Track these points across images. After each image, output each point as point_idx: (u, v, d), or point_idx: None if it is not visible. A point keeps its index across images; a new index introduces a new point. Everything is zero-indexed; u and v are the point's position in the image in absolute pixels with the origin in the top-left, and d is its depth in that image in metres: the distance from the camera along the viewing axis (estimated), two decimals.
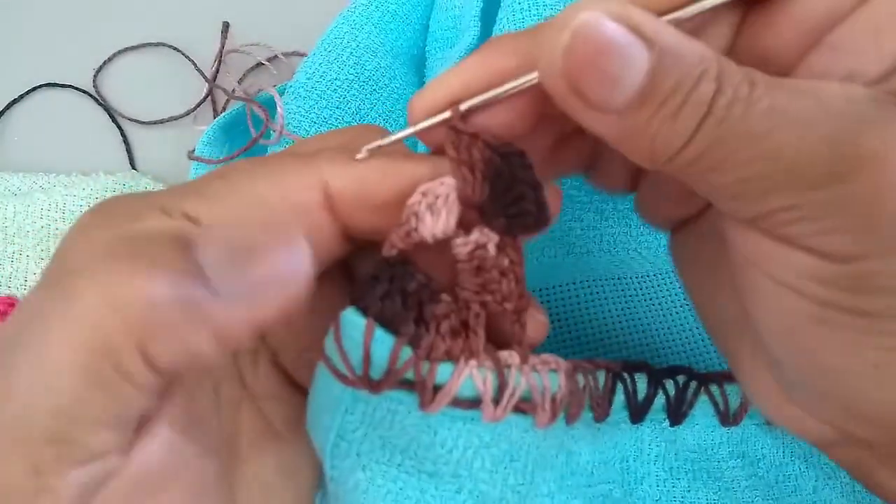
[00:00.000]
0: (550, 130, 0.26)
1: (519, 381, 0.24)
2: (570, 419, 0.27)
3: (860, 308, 0.21)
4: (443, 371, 0.23)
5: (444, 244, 0.24)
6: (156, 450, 0.21)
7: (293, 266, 0.21)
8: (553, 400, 0.25)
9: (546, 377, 0.25)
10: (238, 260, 0.21)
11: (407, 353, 0.23)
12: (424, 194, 0.23)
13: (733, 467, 0.32)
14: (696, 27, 0.24)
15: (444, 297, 0.24)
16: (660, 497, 0.31)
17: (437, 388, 0.23)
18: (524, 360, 0.24)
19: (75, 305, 0.19)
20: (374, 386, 0.23)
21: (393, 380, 0.23)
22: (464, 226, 0.24)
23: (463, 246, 0.24)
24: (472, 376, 0.23)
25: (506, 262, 0.24)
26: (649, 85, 0.20)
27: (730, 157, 0.20)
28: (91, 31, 0.49)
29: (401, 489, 0.25)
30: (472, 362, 0.23)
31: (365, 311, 0.23)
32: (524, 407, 0.25)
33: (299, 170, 0.23)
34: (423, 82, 0.40)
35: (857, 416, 0.23)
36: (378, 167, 0.24)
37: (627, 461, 0.32)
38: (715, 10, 0.23)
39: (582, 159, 0.28)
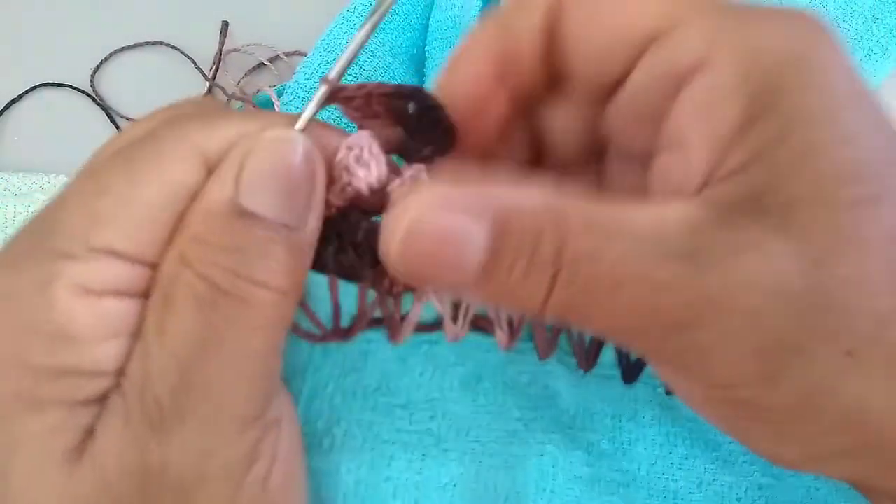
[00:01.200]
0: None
1: None
2: (542, 354, 0.27)
3: (761, 417, 0.21)
4: (406, 302, 0.24)
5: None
6: (288, 440, 0.23)
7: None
8: (510, 322, 0.26)
9: None
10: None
11: (371, 295, 0.24)
12: (349, 148, 0.23)
13: (730, 441, 0.32)
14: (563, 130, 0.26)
15: None
16: (655, 461, 0.31)
17: (402, 320, 0.24)
18: None
19: None
20: (346, 333, 0.24)
21: (363, 322, 0.24)
22: (392, 169, 0.24)
23: (401, 186, 0.24)
24: (432, 299, 0.24)
25: None
26: (491, 258, 0.20)
27: (589, 311, 0.20)
28: (89, 30, 0.48)
29: (376, 434, 0.27)
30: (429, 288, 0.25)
31: (323, 270, 0.23)
32: (483, 324, 0.26)
33: (175, 148, 0.21)
34: (423, 82, 0.40)
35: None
36: (250, 121, 0.23)
37: (620, 419, 0.32)
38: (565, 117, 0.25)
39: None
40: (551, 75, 0.25)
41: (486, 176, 0.21)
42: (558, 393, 0.30)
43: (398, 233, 0.20)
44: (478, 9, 0.36)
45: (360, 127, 0.24)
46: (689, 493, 0.31)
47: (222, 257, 0.20)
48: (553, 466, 0.30)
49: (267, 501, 0.22)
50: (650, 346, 0.21)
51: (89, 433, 0.20)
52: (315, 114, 0.23)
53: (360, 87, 0.24)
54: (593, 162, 0.27)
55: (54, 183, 0.43)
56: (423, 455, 0.27)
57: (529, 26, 0.23)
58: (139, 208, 0.21)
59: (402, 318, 0.24)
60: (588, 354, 0.27)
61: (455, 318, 0.25)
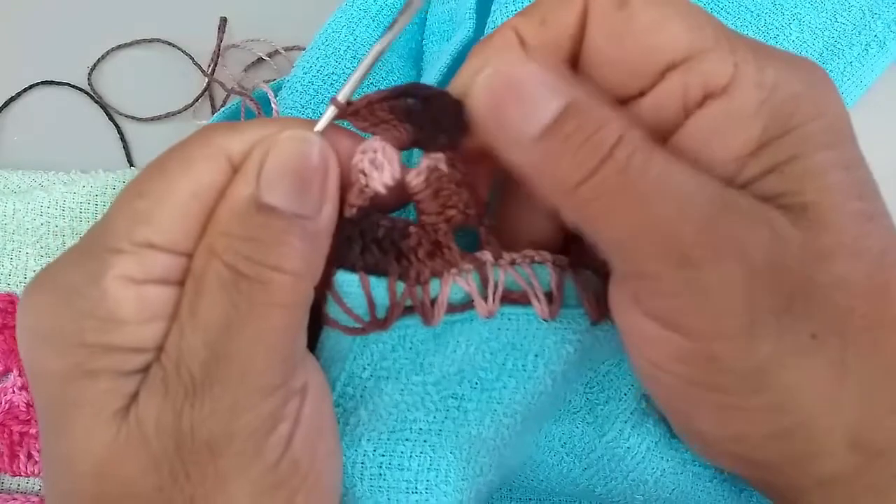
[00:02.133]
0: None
1: (498, 274, 0.27)
2: (592, 316, 0.28)
3: (714, 383, 0.24)
4: (434, 287, 0.26)
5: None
6: (313, 406, 0.25)
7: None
8: (548, 293, 0.27)
9: (528, 268, 0.27)
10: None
11: (400, 286, 0.26)
12: (364, 152, 0.25)
13: None
14: None
15: (412, 229, 0.26)
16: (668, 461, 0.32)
17: (433, 304, 0.26)
18: (497, 256, 0.27)
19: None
20: (383, 323, 0.26)
21: (397, 312, 0.26)
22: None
23: (417, 177, 0.26)
24: (457, 281, 0.26)
25: (458, 174, 0.26)
26: (557, 122, 0.23)
27: (616, 214, 0.23)
28: (86, 28, 0.49)
29: (403, 410, 0.28)
30: (453, 270, 0.26)
31: (352, 269, 0.25)
32: (517, 298, 0.27)
33: (202, 152, 0.24)
34: (421, 76, 0.40)
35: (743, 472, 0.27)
36: (271, 124, 0.25)
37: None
38: None
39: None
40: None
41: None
42: (603, 362, 0.31)
43: (489, 67, 0.24)
44: (473, 2, 0.36)
45: (373, 134, 0.26)
46: (675, 473, 0.32)
47: (243, 246, 0.23)
48: (571, 434, 0.31)
49: (290, 458, 0.24)
50: (654, 272, 0.23)
51: (134, 398, 0.24)
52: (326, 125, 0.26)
53: (362, 99, 0.26)
54: None
55: (53, 180, 0.43)
56: (445, 417, 0.28)
57: (566, 25, 0.25)
58: (172, 206, 0.24)
59: (433, 302, 0.26)
60: (600, 303, 0.28)
61: (485, 297, 0.26)
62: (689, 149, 0.24)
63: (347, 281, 0.25)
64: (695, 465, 0.32)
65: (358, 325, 0.26)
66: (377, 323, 0.26)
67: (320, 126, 0.25)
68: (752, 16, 0.40)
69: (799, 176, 0.23)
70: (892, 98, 0.42)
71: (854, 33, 0.40)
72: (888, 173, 0.40)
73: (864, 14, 0.41)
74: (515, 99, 0.23)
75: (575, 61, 0.26)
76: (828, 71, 0.39)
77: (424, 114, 0.26)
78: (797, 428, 0.24)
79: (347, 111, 0.26)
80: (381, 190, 0.25)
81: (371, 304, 0.25)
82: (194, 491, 0.23)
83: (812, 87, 0.24)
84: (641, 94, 0.25)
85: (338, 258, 0.25)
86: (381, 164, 0.25)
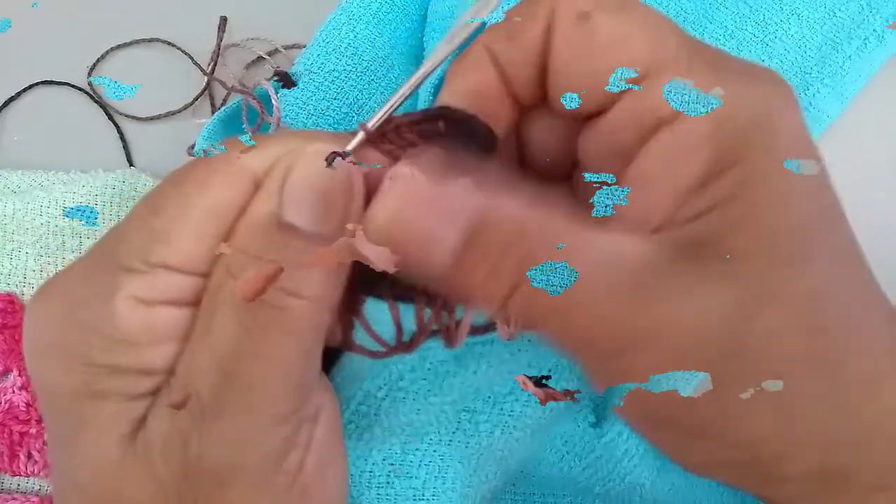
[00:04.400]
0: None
1: None
2: None
3: (676, 431, 0.24)
4: (458, 311, 0.26)
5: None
6: (325, 431, 0.24)
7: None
8: None
9: None
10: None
11: (427, 313, 0.25)
12: (392, 178, 0.24)
13: None
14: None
15: None
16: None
17: (457, 327, 0.26)
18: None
19: None
20: (408, 347, 0.26)
21: (423, 338, 0.26)
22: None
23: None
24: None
25: None
26: (458, 261, 0.22)
27: (542, 323, 0.23)
28: (86, 28, 0.49)
29: (416, 428, 0.28)
30: None
31: (381, 297, 0.25)
32: None
33: (222, 168, 0.23)
34: None
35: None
36: (295, 138, 0.24)
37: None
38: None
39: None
40: (543, 89, 0.26)
41: (474, 170, 0.23)
42: None
43: (379, 218, 0.22)
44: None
45: (398, 158, 0.25)
46: (670, 474, 0.32)
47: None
48: (573, 433, 0.32)
49: (301, 485, 0.23)
50: (586, 364, 0.23)
51: (142, 421, 0.23)
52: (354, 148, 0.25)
53: (387, 122, 0.25)
54: (569, 168, 0.28)
55: (53, 180, 0.43)
56: (456, 429, 0.28)
57: (533, 39, 0.24)
58: (189, 226, 0.23)
59: (457, 325, 0.26)
60: None
61: (507, 320, 0.26)
62: (641, 179, 0.23)
63: (377, 309, 0.25)
64: None
65: (383, 350, 0.26)
66: (402, 346, 0.26)
67: (348, 149, 0.24)
68: (750, 10, 0.40)
69: (737, 218, 0.22)
70: (891, 92, 0.42)
71: (853, 28, 0.41)
72: (886, 167, 0.40)
73: (863, 9, 0.41)
74: (407, 252, 0.22)
75: (545, 74, 0.25)
76: (826, 65, 0.40)
77: (455, 138, 0.25)
78: (757, 462, 0.24)
79: (374, 135, 0.25)
80: None
81: (399, 331, 0.25)
82: None
83: (764, 113, 0.23)
84: (604, 111, 0.24)
85: (366, 286, 0.25)
86: None
